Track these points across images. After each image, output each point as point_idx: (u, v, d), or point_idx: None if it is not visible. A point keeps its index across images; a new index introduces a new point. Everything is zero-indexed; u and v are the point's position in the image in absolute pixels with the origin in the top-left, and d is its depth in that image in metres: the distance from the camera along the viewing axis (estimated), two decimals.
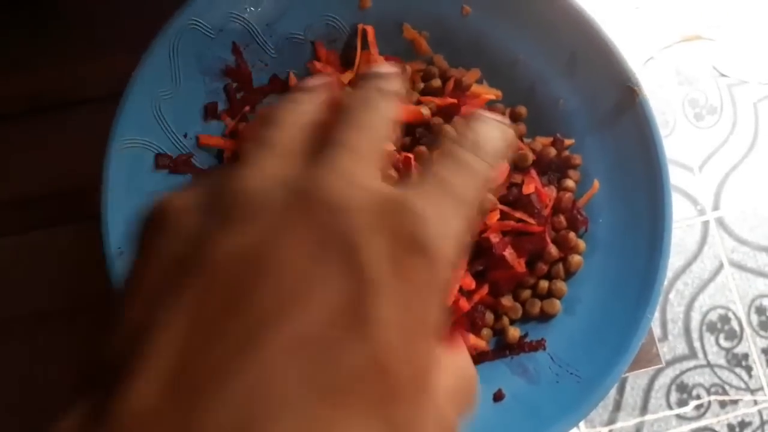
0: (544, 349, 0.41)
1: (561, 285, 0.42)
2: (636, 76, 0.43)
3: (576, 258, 0.42)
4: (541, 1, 0.42)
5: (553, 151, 0.42)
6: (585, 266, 0.43)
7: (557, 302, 0.42)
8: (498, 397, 0.41)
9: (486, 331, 0.41)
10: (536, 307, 0.42)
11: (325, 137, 0.22)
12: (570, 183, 0.43)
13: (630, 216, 0.43)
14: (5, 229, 0.44)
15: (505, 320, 0.42)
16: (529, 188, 0.39)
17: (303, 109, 0.23)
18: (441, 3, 0.42)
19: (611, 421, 0.50)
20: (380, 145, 0.22)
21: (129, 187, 0.36)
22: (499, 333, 0.42)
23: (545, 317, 0.42)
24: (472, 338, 0.41)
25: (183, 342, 0.17)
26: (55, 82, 0.45)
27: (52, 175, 0.45)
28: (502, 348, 0.42)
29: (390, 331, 0.18)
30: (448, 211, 0.20)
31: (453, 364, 0.22)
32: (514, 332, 0.42)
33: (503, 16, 0.43)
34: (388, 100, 0.23)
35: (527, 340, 0.42)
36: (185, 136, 0.38)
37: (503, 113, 0.44)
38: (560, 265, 0.42)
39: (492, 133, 0.23)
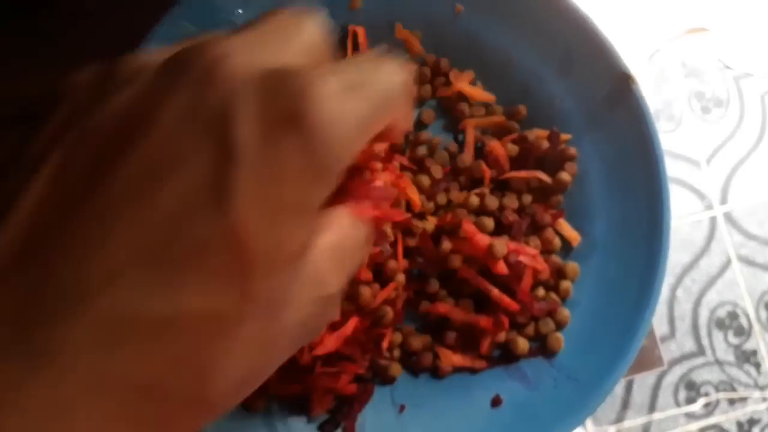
0: (545, 356, 0.41)
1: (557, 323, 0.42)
2: (631, 73, 0.42)
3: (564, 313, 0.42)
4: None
5: (545, 144, 0.42)
6: (583, 269, 0.42)
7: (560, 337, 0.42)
8: (496, 402, 0.40)
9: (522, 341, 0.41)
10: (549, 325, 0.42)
11: None
12: (565, 176, 0.43)
13: (628, 217, 0.42)
14: None
15: (515, 334, 0.42)
16: (500, 268, 0.39)
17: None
18: (433, 2, 0.42)
19: (619, 419, 0.50)
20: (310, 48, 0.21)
21: None
22: (506, 344, 0.42)
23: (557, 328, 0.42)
24: (464, 359, 0.41)
25: (44, 208, 0.18)
26: (36, 87, 0.45)
27: None
28: (506, 357, 0.42)
29: (248, 205, 0.18)
30: (343, 94, 0.19)
31: (330, 228, 0.21)
32: (523, 345, 0.41)
33: (496, 14, 0.42)
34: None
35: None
36: None
37: (499, 113, 0.44)
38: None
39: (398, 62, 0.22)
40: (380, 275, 0.39)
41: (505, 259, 0.39)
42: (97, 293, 0.17)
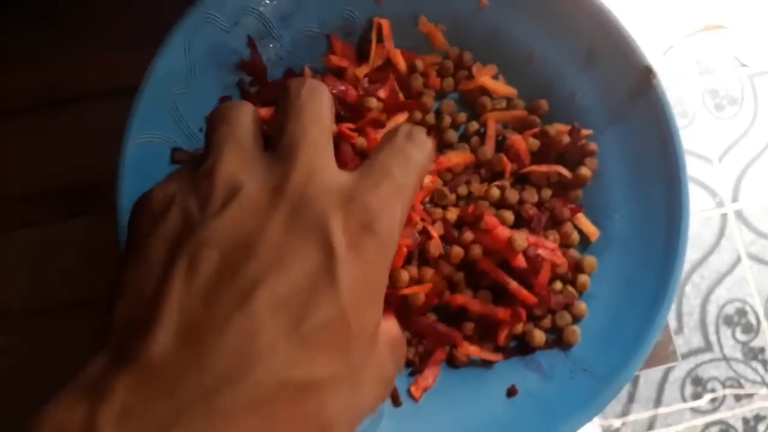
0: (562, 347, 0.41)
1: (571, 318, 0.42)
2: (654, 69, 0.42)
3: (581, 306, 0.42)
4: None
5: (566, 139, 0.42)
6: (601, 263, 0.42)
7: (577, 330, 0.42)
8: (511, 392, 0.41)
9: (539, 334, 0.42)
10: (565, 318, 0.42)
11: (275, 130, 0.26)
12: (586, 171, 0.43)
13: (647, 213, 0.42)
14: (21, 222, 0.44)
15: (531, 326, 0.42)
16: (518, 262, 0.39)
17: (248, 108, 0.27)
18: None
19: (624, 413, 0.50)
20: (330, 136, 0.26)
21: (145, 181, 0.36)
22: (522, 336, 0.42)
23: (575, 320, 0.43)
24: (477, 350, 0.41)
25: (187, 303, 0.21)
26: (68, 76, 0.45)
27: (64, 168, 0.45)
28: (522, 348, 0.42)
29: (350, 291, 0.22)
30: (392, 198, 0.25)
31: (387, 327, 0.26)
32: (540, 337, 0.41)
33: (520, 8, 0.42)
34: None
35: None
36: (200, 130, 0.38)
37: (521, 108, 0.44)
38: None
39: (420, 133, 0.28)
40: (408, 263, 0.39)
41: (524, 252, 0.39)
42: (257, 363, 0.21)
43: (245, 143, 0.25)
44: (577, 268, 0.43)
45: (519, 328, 0.41)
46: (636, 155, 0.43)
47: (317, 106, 0.26)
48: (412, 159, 0.26)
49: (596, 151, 0.43)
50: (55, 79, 0.46)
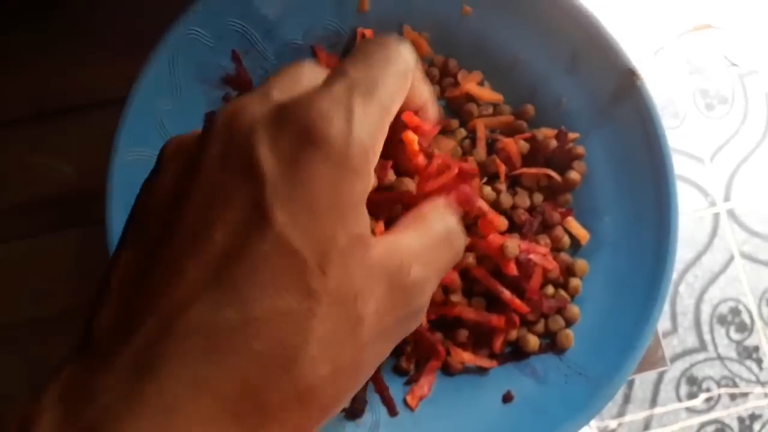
0: (555, 352, 0.41)
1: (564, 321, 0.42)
2: (638, 71, 0.42)
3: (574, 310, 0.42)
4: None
5: (553, 143, 0.42)
6: (592, 266, 0.43)
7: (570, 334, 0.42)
8: (507, 398, 0.41)
9: (533, 339, 0.42)
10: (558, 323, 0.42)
11: None
12: (575, 175, 0.43)
13: (636, 214, 0.42)
14: (12, 233, 0.45)
15: (525, 331, 0.42)
16: (510, 269, 0.39)
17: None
18: (441, 3, 0.42)
19: (620, 414, 0.51)
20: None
21: (133, 199, 0.37)
22: (516, 341, 0.42)
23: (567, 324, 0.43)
24: (470, 356, 0.41)
25: (129, 268, 0.22)
26: (60, 86, 0.46)
27: (57, 179, 0.45)
28: (516, 354, 0.42)
29: (286, 214, 0.20)
30: (352, 94, 0.22)
31: (419, 221, 0.25)
32: (534, 342, 0.42)
33: (504, 15, 0.42)
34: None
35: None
36: None
37: (507, 113, 0.44)
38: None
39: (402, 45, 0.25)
40: None
41: (516, 257, 0.39)
42: (178, 316, 0.20)
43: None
44: (568, 271, 0.43)
45: (513, 334, 0.41)
46: (623, 157, 0.43)
47: (307, 66, 0.25)
48: (383, 56, 0.24)
49: (584, 154, 0.43)
50: (45, 90, 0.46)
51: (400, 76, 0.24)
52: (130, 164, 0.37)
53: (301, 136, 0.21)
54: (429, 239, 0.25)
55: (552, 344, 0.42)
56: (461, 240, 0.26)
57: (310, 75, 0.23)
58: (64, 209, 0.45)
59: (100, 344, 0.21)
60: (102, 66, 0.45)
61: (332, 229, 0.21)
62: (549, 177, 0.42)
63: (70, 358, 0.21)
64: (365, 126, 0.22)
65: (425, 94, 0.27)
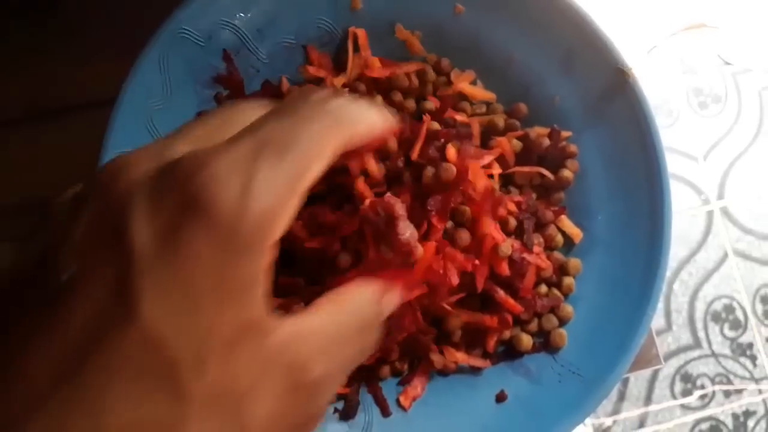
0: (548, 351, 0.41)
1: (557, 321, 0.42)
2: (632, 70, 0.42)
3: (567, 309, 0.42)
4: None
5: (546, 141, 0.42)
6: (586, 264, 0.43)
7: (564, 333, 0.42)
8: (500, 398, 0.41)
9: (527, 338, 0.42)
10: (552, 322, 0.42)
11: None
12: (567, 173, 0.43)
13: (629, 212, 0.42)
14: (4, 234, 0.44)
15: (518, 330, 0.42)
16: (503, 269, 0.39)
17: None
18: (433, 2, 0.42)
19: (615, 411, 0.51)
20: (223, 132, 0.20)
21: None
22: (509, 341, 0.42)
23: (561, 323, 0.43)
24: (463, 356, 0.41)
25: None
26: (53, 87, 0.45)
27: (50, 180, 0.45)
28: (510, 354, 0.42)
29: (155, 303, 0.17)
30: (261, 164, 0.18)
31: (328, 306, 0.21)
32: (527, 341, 0.42)
33: (496, 14, 0.42)
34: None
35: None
36: None
37: (500, 112, 0.44)
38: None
39: (348, 102, 0.21)
40: None
41: (510, 256, 0.39)
42: (21, 424, 0.16)
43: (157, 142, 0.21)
44: (561, 270, 0.43)
45: (506, 333, 0.41)
46: (617, 155, 0.43)
47: (240, 107, 0.21)
48: (309, 110, 0.20)
49: (576, 152, 0.43)
50: (36, 92, 0.46)
51: (325, 135, 0.20)
52: None
53: (184, 204, 0.17)
54: (340, 328, 0.21)
55: (545, 343, 0.42)
56: (374, 335, 0.22)
57: (233, 125, 0.20)
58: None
59: None
60: (99, 66, 0.45)
61: (213, 318, 0.17)
62: (542, 175, 0.42)
63: None
64: (268, 194, 0.18)
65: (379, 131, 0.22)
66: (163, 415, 0.17)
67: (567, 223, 0.43)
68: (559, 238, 0.43)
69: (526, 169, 0.42)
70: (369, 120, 0.21)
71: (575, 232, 0.43)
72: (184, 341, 0.17)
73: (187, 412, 0.17)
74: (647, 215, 0.42)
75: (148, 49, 0.37)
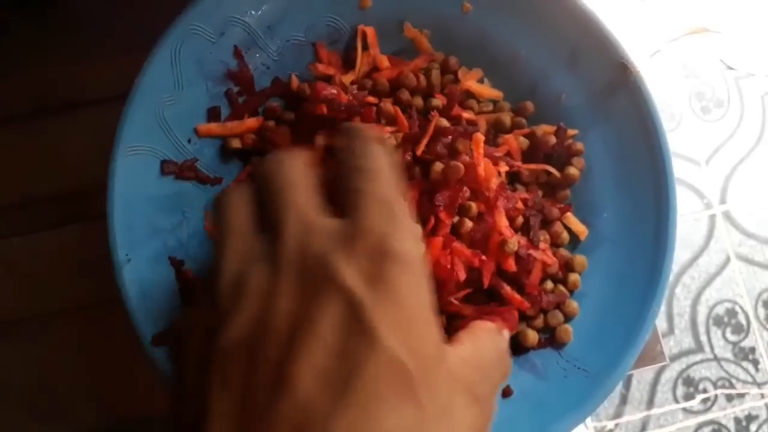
0: (554, 346, 0.41)
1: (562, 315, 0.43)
2: (637, 68, 0.43)
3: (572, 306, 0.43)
4: None
5: (553, 139, 0.42)
6: (591, 261, 0.43)
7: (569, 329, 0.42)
8: (506, 393, 0.41)
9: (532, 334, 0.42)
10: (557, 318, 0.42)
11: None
12: (573, 171, 0.43)
13: (635, 210, 0.43)
14: (12, 230, 0.45)
15: (524, 326, 0.42)
16: (509, 265, 0.39)
17: (241, 193, 0.27)
18: (441, 1, 0.42)
19: (617, 415, 0.51)
20: (309, 187, 0.26)
21: (135, 193, 0.37)
22: (515, 336, 0.42)
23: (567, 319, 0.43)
24: None
25: (229, 411, 0.21)
26: (60, 83, 0.46)
27: (57, 175, 0.45)
28: (515, 349, 0.42)
29: (390, 331, 0.21)
30: (386, 214, 0.24)
31: (469, 337, 0.26)
32: (533, 337, 0.42)
33: (503, 12, 0.43)
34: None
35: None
36: (189, 141, 0.38)
37: (507, 110, 0.45)
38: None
39: (368, 143, 0.27)
40: None
41: (516, 252, 0.39)
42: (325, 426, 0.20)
43: (242, 231, 0.25)
44: (567, 267, 0.43)
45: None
46: (622, 153, 0.43)
47: (282, 174, 0.26)
48: (375, 168, 0.26)
49: (582, 150, 0.43)
50: (45, 87, 0.46)
51: (396, 172, 0.26)
52: (132, 158, 0.37)
53: (374, 254, 0.22)
54: (488, 355, 0.26)
55: (551, 339, 0.42)
56: (509, 362, 0.28)
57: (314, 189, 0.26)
58: (63, 206, 0.45)
59: None
60: (103, 63, 0.45)
61: (426, 339, 0.22)
62: (548, 173, 0.43)
63: None
64: (410, 230, 0.24)
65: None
66: (410, 422, 0.21)
67: (573, 221, 0.43)
68: (565, 235, 0.43)
69: (532, 166, 0.43)
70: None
71: (581, 230, 0.43)
72: (414, 359, 0.21)
73: (425, 417, 0.21)
74: (652, 212, 0.42)
75: (160, 45, 0.37)
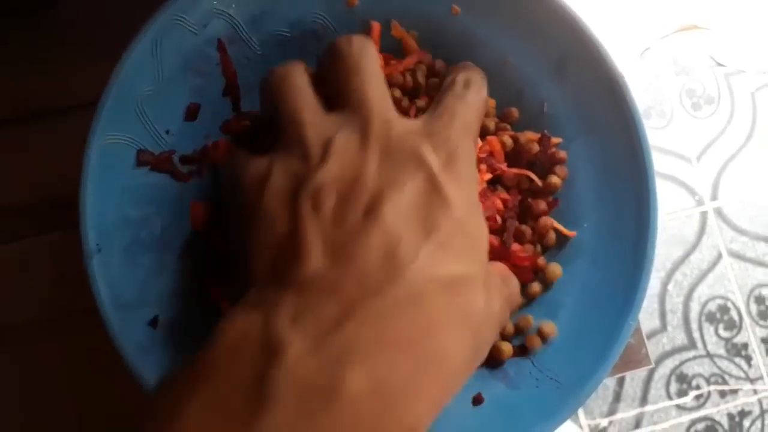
0: (527, 355, 0.41)
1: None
2: (625, 80, 0.43)
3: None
4: (531, 2, 0.42)
5: (536, 147, 0.42)
6: (569, 272, 0.43)
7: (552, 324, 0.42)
8: (477, 401, 0.41)
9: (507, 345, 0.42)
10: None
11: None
12: (556, 180, 0.43)
13: (616, 223, 0.42)
14: None
15: (498, 339, 0.42)
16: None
17: (302, 70, 0.31)
18: (430, 2, 0.42)
19: (611, 412, 0.50)
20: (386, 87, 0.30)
21: (109, 183, 0.37)
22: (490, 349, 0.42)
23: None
24: None
25: (323, 230, 0.24)
26: (44, 88, 0.45)
27: (40, 181, 0.45)
28: (490, 361, 0.42)
29: (459, 205, 0.25)
30: (464, 133, 0.28)
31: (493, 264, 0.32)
32: (507, 348, 0.42)
33: (492, 16, 0.42)
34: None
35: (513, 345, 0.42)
36: (167, 132, 0.38)
37: (492, 115, 0.45)
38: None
39: (477, 78, 0.32)
40: None
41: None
42: (404, 264, 0.23)
43: (313, 104, 0.28)
44: (538, 273, 0.43)
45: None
46: (606, 165, 0.43)
47: (370, 61, 0.29)
48: (473, 102, 0.30)
49: (565, 159, 0.43)
50: (29, 92, 0.46)
51: (482, 116, 0.32)
52: (107, 147, 0.37)
53: (449, 151, 0.27)
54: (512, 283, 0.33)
55: (522, 348, 0.42)
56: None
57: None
58: (46, 212, 0.45)
59: (316, 282, 0.23)
60: (88, 69, 0.45)
61: (480, 225, 0.27)
62: (530, 180, 0.43)
63: (273, 291, 0.23)
64: (474, 158, 0.29)
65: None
66: (478, 276, 0.26)
67: (558, 225, 0.43)
68: (552, 235, 0.43)
69: (515, 170, 0.43)
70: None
71: (568, 232, 0.43)
72: (475, 232, 0.26)
73: (480, 274, 0.26)
74: (633, 227, 0.42)
75: (141, 34, 0.37)
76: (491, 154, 0.42)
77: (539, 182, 0.42)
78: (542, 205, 0.42)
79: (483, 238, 0.27)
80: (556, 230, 0.44)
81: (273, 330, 0.22)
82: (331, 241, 0.24)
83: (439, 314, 0.24)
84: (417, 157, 0.26)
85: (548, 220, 0.43)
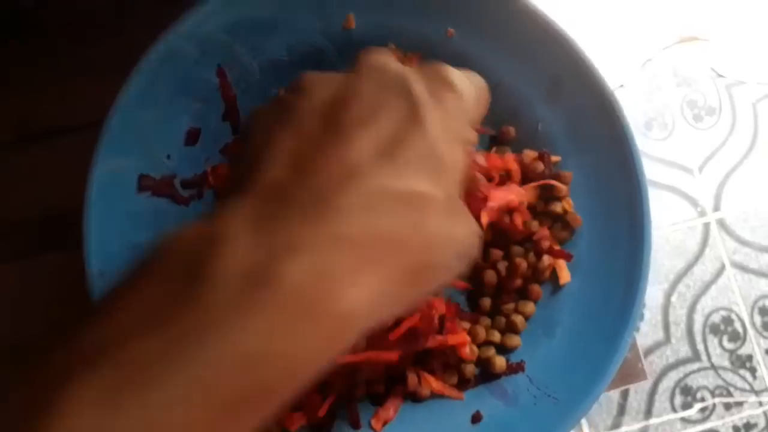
0: (523, 371, 0.42)
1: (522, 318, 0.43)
2: (617, 100, 0.43)
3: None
4: (525, 24, 0.42)
5: (541, 166, 0.43)
6: (565, 289, 0.43)
7: (517, 337, 0.43)
8: (476, 419, 0.41)
9: (470, 367, 0.42)
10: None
11: None
12: (558, 207, 0.44)
13: (610, 240, 0.43)
14: None
15: (491, 351, 0.42)
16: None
17: None
18: (426, 25, 0.43)
19: (615, 425, 0.50)
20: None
21: (112, 208, 0.37)
22: (484, 363, 0.42)
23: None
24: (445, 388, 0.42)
25: (294, 146, 0.25)
26: (42, 108, 0.45)
27: (38, 202, 0.45)
28: (487, 375, 0.42)
29: (436, 129, 0.26)
30: (456, 75, 0.29)
31: None
32: (500, 362, 0.42)
33: (487, 38, 0.43)
34: None
35: (509, 361, 0.43)
36: (168, 157, 0.39)
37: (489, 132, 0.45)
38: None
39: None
40: None
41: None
42: (361, 175, 0.24)
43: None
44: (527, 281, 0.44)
45: (474, 352, 0.42)
46: (600, 184, 0.43)
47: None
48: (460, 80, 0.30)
49: (570, 179, 0.43)
50: (26, 113, 0.46)
51: (478, 104, 0.32)
52: (110, 173, 0.37)
53: (443, 84, 0.28)
54: None
55: (518, 365, 0.42)
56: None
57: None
58: (43, 232, 0.44)
59: (274, 187, 0.24)
60: (88, 88, 0.45)
61: (456, 153, 0.27)
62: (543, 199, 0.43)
63: (235, 197, 0.24)
64: (474, 97, 0.30)
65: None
66: (437, 196, 0.26)
67: (562, 264, 0.44)
68: (547, 273, 0.44)
69: (533, 184, 0.43)
70: None
71: (564, 275, 0.44)
72: (448, 160, 0.26)
73: (442, 199, 0.26)
74: (627, 246, 0.42)
75: (143, 60, 0.37)
76: (509, 173, 0.43)
77: (561, 187, 0.43)
78: (546, 244, 0.42)
79: (455, 165, 0.27)
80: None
81: (219, 228, 0.23)
82: (298, 155, 0.25)
83: (388, 222, 0.24)
84: (404, 86, 0.27)
85: (549, 261, 0.43)
